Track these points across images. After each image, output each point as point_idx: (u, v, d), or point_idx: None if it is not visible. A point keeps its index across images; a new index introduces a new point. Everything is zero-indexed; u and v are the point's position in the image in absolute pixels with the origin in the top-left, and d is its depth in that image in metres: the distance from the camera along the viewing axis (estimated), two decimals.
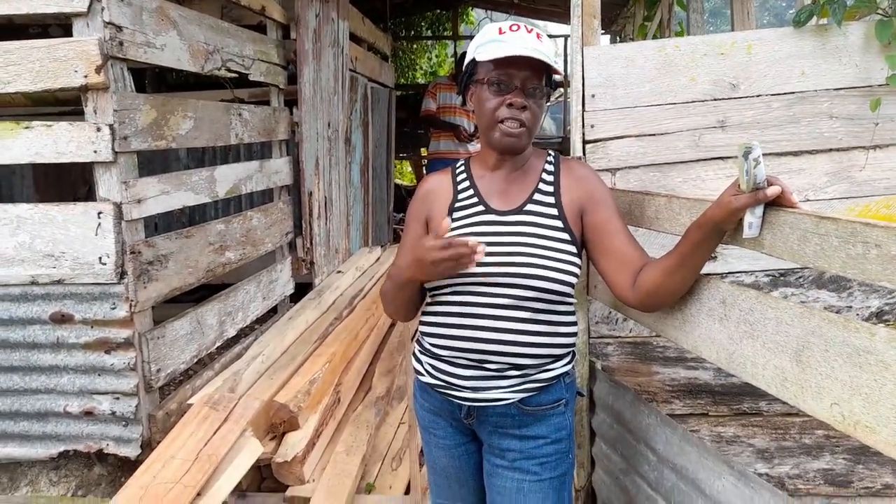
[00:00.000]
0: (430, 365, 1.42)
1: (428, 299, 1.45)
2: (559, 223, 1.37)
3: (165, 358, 2.51)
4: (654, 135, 1.92)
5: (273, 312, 3.72)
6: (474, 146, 5.42)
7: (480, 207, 1.42)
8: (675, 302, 1.32)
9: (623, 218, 1.41)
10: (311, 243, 4.08)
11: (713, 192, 1.90)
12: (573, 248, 1.37)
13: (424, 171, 7.75)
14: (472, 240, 1.20)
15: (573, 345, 1.44)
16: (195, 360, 2.76)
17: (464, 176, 1.48)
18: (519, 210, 1.39)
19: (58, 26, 4.22)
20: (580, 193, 1.40)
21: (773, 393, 1.09)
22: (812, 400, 1.00)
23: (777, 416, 1.77)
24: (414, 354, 1.50)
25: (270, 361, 2.93)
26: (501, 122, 1.34)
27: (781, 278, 1.98)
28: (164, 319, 2.58)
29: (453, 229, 1.41)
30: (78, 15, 2.19)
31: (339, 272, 4.45)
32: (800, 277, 1.97)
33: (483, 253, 1.20)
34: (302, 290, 3.99)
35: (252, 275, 3.37)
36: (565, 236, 1.36)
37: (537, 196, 1.40)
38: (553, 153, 1.49)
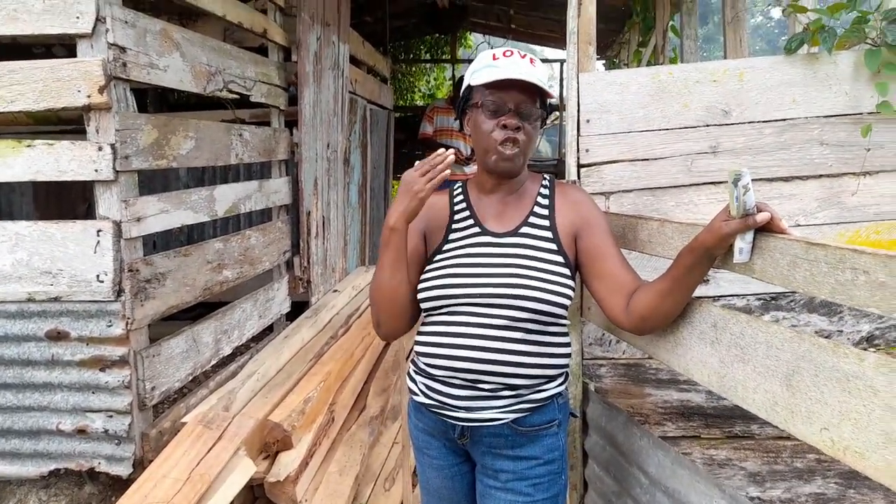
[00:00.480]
0: (425, 385, 1.43)
1: (423, 319, 1.47)
2: (553, 246, 1.39)
3: (160, 376, 2.51)
4: (647, 159, 1.96)
5: (269, 331, 3.72)
6: (471, 168, 5.48)
7: (476, 229, 1.44)
8: (667, 325, 1.33)
9: (616, 242, 1.44)
10: (309, 262, 4.09)
11: (706, 216, 1.92)
12: (567, 271, 1.39)
13: None
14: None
15: (566, 366, 1.45)
16: (190, 378, 2.76)
17: (461, 198, 1.50)
18: (514, 233, 1.42)
19: (61, 46, 4.27)
20: (574, 217, 1.43)
21: (764, 417, 1.10)
22: (802, 424, 1.01)
23: (769, 439, 1.78)
24: (408, 374, 1.51)
25: (266, 380, 2.92)
26: (497, 144, 1.37)
27: (773, 302, 2.00)
28: (160, 337, 2.58)
29: (449, 250, 1.43)
30: (82, 36, 2.23)
31: (335, 291, 4.46)
32: (791, 301, 1.99)
33: (452, 156, 1.31)
34: (298, 308, 3.99)
35: (249, 293, 3.38)
36: (559, 259, 1.38)
37: (532, 219, 1.43)
38: (548, 177, 1.52)
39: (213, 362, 2.95)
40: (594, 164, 1.96)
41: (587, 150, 1.96)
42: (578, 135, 1.95)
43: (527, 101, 1.36)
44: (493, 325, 1.34)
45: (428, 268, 1.44)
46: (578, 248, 1.42)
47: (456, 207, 1.49)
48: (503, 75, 1.33)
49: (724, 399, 1.98)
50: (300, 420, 2.55)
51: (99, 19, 2.20)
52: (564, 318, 1.40)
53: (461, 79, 5.98)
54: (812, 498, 1.56)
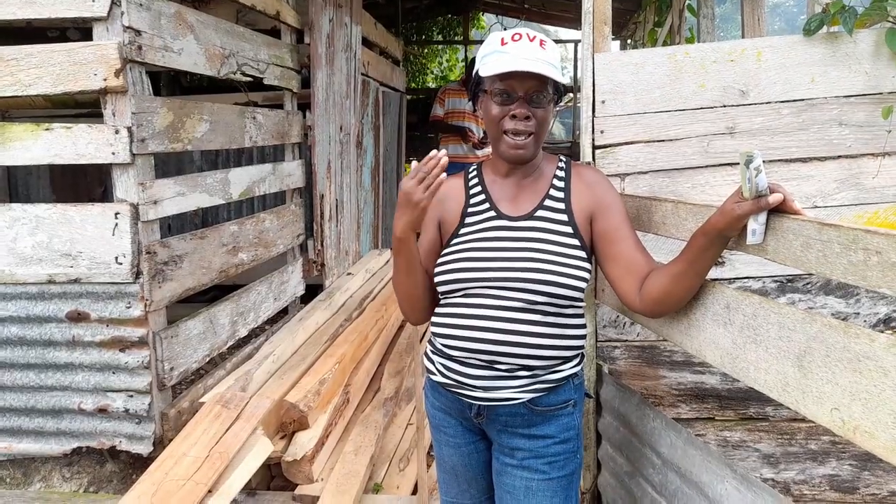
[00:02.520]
0: (442, 364, 1.45)
1: (440, 300, 1.48)
2: (569, 229, 1.40)
3: (178, 357, 2.55)
4: (663, 141, 1.94)
5: (284, 313, 3.75)
6: (484, 151, 5.46)
7: (492, 213, 1.44)
8: (680, 308, 1.34)
9: (632, 224, 1.43)
10: (322, 245, 4.12)
11: (721, 198, 1.90)
12: (583, 254, 1.39)
13: None
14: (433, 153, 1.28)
15: (582, 347, 1.46)
16: (207, 359, 2.80)
17: (476, 181, 1.51)
18: (530, 216, 1.42)
19: (76, 29, 4.29)
20: (590, 199, 1.43)
21: (776, 397, 1.10)
22: (813, 405, 1.02)
23: (783, 421, 1.79)
24: (426, 354, 1.53)
25: (281, 361, 2.96)
26: (507, 133, 1.37)
27: (789, 284, 1.99)
28: (178, 319, 2.62)
29: (466, 234, 1.44)
30: (98, 19, 2.24)
31: (349, 274, 4.48)
32: (807, 283, 1.98)
33: (445, 158, 1.28)
34: (312, 291, 4.03)
35: (264, 276, 3.40)
36: (575, 242, 1.39)
37: (548, 202, 1.43)
38: (565, 158, 1.51)
39: (230, 344, 2.98)
40: (609, 146, 1.95)
41: (602, 132, 1.95)
42: (593, 116, 1.94)
43: (537, 87, 1.34)
44: (509, 307, 1.35)
45: (445, 252, 1.44)
46: (593, 230, 1.42)
47: (471, 192, 1.49)
48: (510, 66, 1.31)
49: (738, 381, 1.99)
50: (316, 401, 2.59)
51: (114, 2, 2.21)
52: (580, 300, 1.41)
53: (473, 60, 5.93)
54: (826, 479, 1.56)
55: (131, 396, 2.42)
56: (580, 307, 1.43)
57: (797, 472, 1.60)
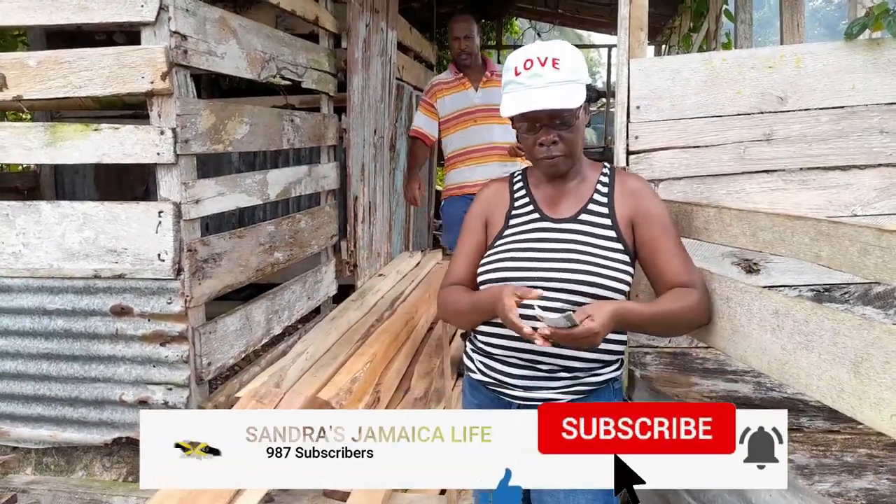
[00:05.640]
0: (482, 363, 1.48)
1: None
2: (612, 233, 1.42)
3: (216, 352, 2.62)
4: (698, 147, 1.94)
5: (317, 312, 3.81)
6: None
7: (536, 215, 1.47)
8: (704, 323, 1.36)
9: (673, 231, 1.44)
10: (355, 246, 4.17)
11: (757, 205, 1.90)
12: (625, 258, 1.41)
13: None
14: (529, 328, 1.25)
15: (622, 352, 1.47)
16: (243, 355, 2.87)
17: (521, 185, 1.54)
18: (573, 219, 1.44)
19: (122, 33, 4.43)
20: (632, 207, 1.44)
21: (829, 403, 1.09)
22: (870, 411, 1.01)
23: (818, 432, 1.76)
24: (465, 352, 1.56)
25: (314, 359, 3.01)
26: (539, 157, 1.42)
27: (826, 293, 1.96)
28: (215, 315, 2.68)
29: (510, 235, 1.46)
30: (146, 24, 2.32)
31: (380, 275, 4.53)
32: (845, 293, 1.95)
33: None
34: (344, 291, 4.08)
35: (298, 275, 3.47)
36: (618, 245, 1.41)
37: (591, 206, 1.45)
38: (608, 166, 1.53)
39: (264, 341, 3.05)
40: (644, 151, 1.95)
41: (637, 137, 1.95)
42: (628, 121, 1.95)
43: (557, 113, 1.36)
44: (551, 307, 1.37)
45: (489, 252, 1.47)
46: (635, 236, 1.44)
47: (516, 195, 1.53)
48: (525, 107, 1.34)
49: (771, 390, 1.97)
50: (347, 398, 2.63)
51: (162, 8, 2.29)
52: None
53: (448, 22, 4.75)
54: (863, 493, 1.54)
55: (170, 389, 2.49)
56: None
57: (832, 483, 1.58)
